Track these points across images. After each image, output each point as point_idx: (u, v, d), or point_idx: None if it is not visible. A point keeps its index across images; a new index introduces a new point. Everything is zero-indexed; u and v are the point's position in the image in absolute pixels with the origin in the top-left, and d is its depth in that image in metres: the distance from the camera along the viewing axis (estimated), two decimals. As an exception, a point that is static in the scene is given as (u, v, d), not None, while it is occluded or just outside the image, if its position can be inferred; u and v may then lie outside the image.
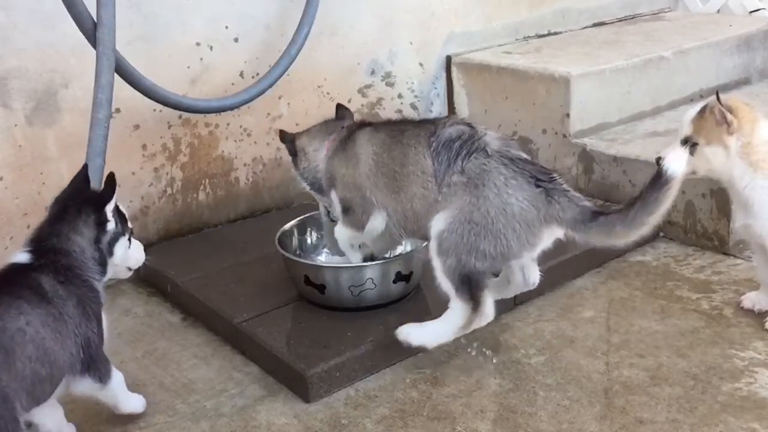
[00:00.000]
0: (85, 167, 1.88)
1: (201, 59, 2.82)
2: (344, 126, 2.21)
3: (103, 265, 1.77)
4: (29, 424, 1.70)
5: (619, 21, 4.09)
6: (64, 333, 1.62)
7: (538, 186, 1.83)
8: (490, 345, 2.16)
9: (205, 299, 2.35)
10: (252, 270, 2.50)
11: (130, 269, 1.89)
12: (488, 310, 1.93)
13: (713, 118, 2.01)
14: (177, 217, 2.87)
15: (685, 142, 2.07)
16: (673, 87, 3.38)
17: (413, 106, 3.42)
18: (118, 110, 2.60)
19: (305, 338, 2.13)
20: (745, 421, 1.80)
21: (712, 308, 2.28)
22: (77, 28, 2.24)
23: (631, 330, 2.21)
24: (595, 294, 2.42)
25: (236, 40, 2.89)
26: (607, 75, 3.15)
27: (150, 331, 2.35)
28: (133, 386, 2.06)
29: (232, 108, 2.80)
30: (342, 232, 2.17)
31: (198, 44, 2.81)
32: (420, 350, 2.02)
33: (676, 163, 1.76)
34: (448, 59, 3.47)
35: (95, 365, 1.72)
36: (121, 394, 1.84)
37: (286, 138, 2.29)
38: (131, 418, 1.93)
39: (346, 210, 2.14)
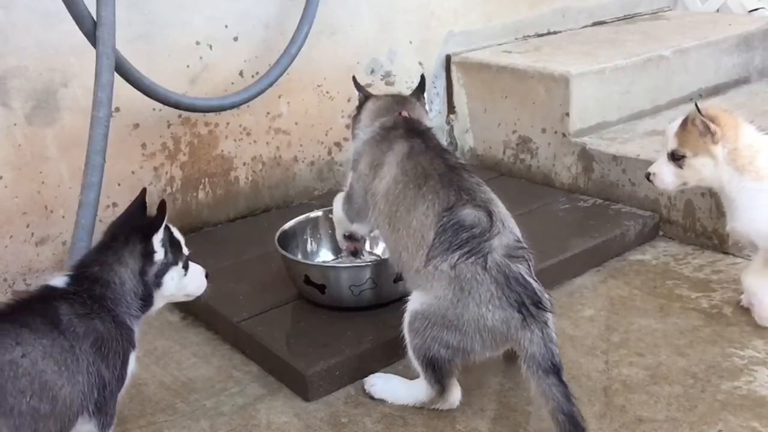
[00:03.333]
0: (144, 192, 1.75)
1: (201, 58, 2.82)
2: (401, 113, 2.14)
3: (146, 299, 1.66)
4: None
5: (619, 20, 4.10)
6: (74, 368, 1.51)
7: (520, 312, 1.76)
8: (489, 344, 2.16)
9: (204, 298, 2.34)
10: (252, 269, 2.50)
11: (188, 296, 1.79)
12: (454, 398, 1.90)
13: (696, 129, 2.02)
14: (176, 216, 2.87)
15: (672, 155, 2.07)
16: (673, 86, 3.38)
17: (413, 105, 3.41)
18: (117, 109, 2.60)
19: (305, 337, 2.13)
20: (744, 420, 1.80)
21: (712, 307, 2.28)
22: (77, 27, 2.24)
23: (631, 329, 2.21)
24: (594, 293, 2.43)
25: (236, 39, 2.89)
26: (606, 74, 3.15)
27: (150, 330, 2.34)
28: (133, 385, 2.06)
29: (231, 107, 2.80)
30: (337, 208, 2.22)
31: (198, 43, 2.81)
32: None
33: None
34: (448, 58, 3.47)
35: (104, 409, 1.58)
36: None
37: (363, 91, 2.31)
38: (131, 418, 1.94)
39: (348, 196, 2.15)
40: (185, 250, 1.74)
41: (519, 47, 3.54)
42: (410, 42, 3.38)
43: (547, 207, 2.90)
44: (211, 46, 2.83)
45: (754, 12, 4.13)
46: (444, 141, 3.52)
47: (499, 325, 1.77)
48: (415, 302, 1.86)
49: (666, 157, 2.10)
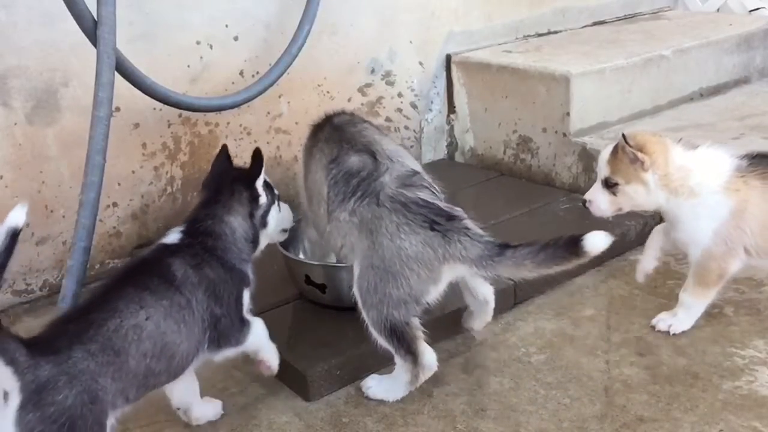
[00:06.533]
0: (225, 147, 1.92)
1: (201, 58, 2.81)
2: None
3: (254, 241, 1.83)
4: None
5: (619, 20, 4.10)
6: (191, 322, 1.63)
7: (433, 229, 1.81)
8: (490, 344, 2.16)
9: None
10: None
11: (285, 231, 2.00)
12: (428, 360, 1.90)
13: (626, 157, 2.02)
14: (177, 216, 2.86)
15: (606, 183, 2.08)
16: (674, 86, 3.38)
17: (413, 105, 3.42)
18: (118, 109, 2.60)
19: (306, 337, 2.13)
20: (745, 420, 1.80)
21: (713, 306, 2.27)
22: (77, 26, 2.24)
23: (632, 328, 2.21)
24: (595, 292, 2.42)
25: (236, 38, 2.89)
26: (607, 74, 3.15)
27: (150, 330, 2.34)
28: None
29: (232, 107, 2.80)
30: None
31: (198, 43, 2.80)
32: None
33: (597, 243, 1.77)
34: (448, 58, 3.47)
35: (227, 337, 1.74)
36: (262, 344, 1.84)
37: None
38: (133, 418, 1.93)
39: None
40: (276, 190, 1.92)
41: (519, 47, 3.54)
42: (411, 42, 3.37)
43: (548, 207, 2.90)
44: (211, 46, 2.83)
45: (755, 12, 4.13)
46: (445, 141, 3.53)
47: (421, 249, 1.81)
48: (355, 273, 1.89)
49: (600, 184, 2.09)
